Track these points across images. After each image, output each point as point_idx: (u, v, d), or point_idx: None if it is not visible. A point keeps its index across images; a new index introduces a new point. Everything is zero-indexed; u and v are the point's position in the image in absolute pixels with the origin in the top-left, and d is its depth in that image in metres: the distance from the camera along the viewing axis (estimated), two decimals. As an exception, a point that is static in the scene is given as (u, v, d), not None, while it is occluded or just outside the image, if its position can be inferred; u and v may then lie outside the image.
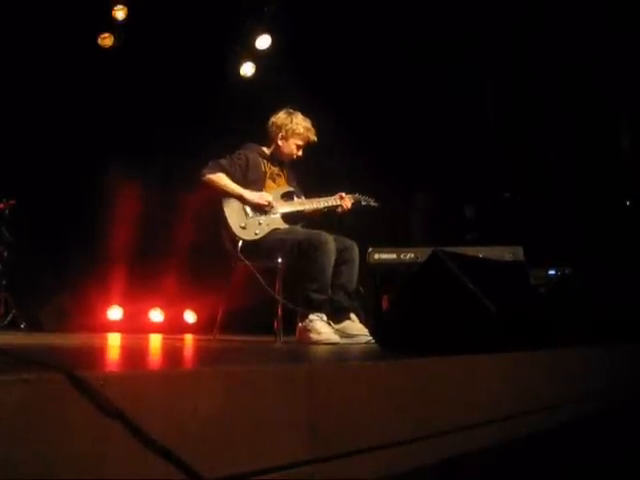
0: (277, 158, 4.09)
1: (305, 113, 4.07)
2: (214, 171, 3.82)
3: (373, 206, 4.17)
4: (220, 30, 6.29)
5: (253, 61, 6.90)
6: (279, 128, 4.02)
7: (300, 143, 4.01)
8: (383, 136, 6.31)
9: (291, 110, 4.06)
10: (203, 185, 3.84)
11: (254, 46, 6.77)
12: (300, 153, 4.04)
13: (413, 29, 6.17)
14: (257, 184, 3.92)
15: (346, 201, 4.00)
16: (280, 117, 4.04)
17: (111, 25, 6.31)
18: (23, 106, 5.67)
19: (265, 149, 4.10)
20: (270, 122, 4.08)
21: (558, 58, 6.01)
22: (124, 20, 6.27)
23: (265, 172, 4.01)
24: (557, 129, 6.31)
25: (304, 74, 5.96)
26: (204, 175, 3.81)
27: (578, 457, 2.08)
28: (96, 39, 6.32)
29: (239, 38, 6.73)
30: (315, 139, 4.04)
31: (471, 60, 6.43)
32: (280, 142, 4.02)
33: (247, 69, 6.94)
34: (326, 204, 4.00)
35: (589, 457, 2.11)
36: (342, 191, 4.05)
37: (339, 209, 4.00)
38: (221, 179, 3.81)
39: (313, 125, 4.04)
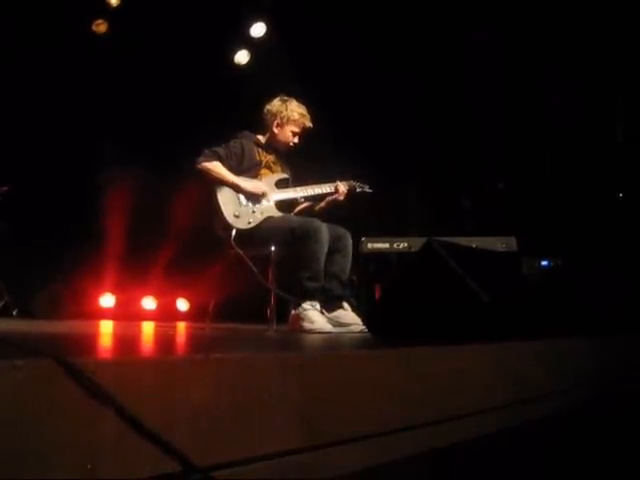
0: (273, 146, 4.06)
1: (300, 100, 4.05)
2: (210, 159, 3.77)
3: (368, 193, 4.16)
4: (215, 17, 6.25)
5: (247, 49, 6.87)
6: (274, 116, 3.99)
7: (296, 130, 3.99)
8: (378, 124, 6.29)
9: (285, 97, 4.03)
10: (198, 173, 3.78)
11: (249, 33, 6.74)
12: (296, 140, 4.02)
13: (408, 17, 6.14)
14: (251, 172, 3.90)
15: (341, 187, 3.99)
16: (275, 104, 4.02)
17: (105, 11, 6.27)
18: (15, 93, 5.62)
19: (260, 137, 4.08)
20: (265, 110, 4.05)
21: (553, 47, 5.99)
22: (118, 6, 6.24)
23: (260, 160, 3.98)
24: (552, 122, 6.30)
25: (299, 61, 5.93)
26: (199, 163, 3.75)
27: (570, 446, 2.09)
28: (90, 25, 6.28)
29: (234, 25, 6.69)
30: (311, 125, 4.02)
31: (466, 50, 6.41)
32: (276, 130, 4.00)
33: (241, 57, 6.91)
34: (320, 191, 3.99)
35: (580, 446, 2.13)
36: (336, 179, 4.04)
37: (335, 196, 3.98)
38: (217, 167, 3.77)
39: (308, 111, 4.02)
